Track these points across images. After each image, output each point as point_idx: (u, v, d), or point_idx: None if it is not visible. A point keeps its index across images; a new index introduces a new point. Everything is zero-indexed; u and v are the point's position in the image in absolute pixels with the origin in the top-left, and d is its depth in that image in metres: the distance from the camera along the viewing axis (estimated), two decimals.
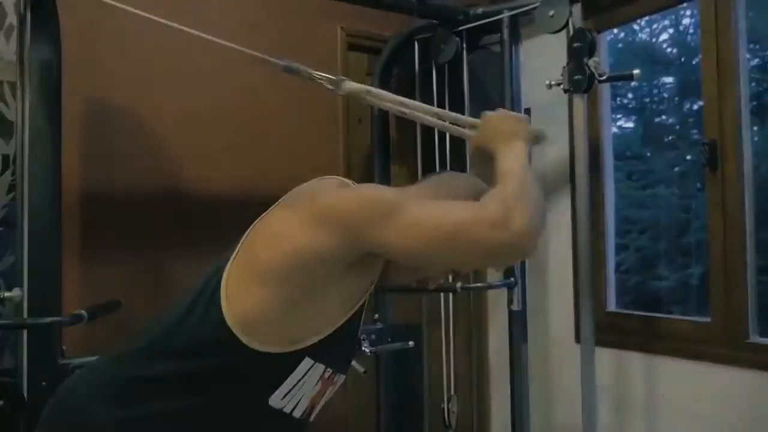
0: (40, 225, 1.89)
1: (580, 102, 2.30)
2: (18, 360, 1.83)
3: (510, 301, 2.49)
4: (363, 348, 2.54)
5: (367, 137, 2.99)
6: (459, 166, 2.74)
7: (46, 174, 1.96)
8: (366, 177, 2.98)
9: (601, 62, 2.31)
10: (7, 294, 1.49)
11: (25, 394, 1.78)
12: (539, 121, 2.89)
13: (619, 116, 3.18)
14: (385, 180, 2.77)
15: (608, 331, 2.60)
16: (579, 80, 2.23)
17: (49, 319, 1.51)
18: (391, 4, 2.46)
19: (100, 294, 2.19)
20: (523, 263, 2.51)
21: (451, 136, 2.73)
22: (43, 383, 1.91)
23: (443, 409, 2.70)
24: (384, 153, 2.77)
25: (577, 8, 2.31)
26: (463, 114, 2.66)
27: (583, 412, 2.29)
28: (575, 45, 2.24)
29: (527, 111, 2.77)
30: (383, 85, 2.75)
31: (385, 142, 2.78)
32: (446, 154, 2.76)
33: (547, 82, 2.37)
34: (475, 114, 1.39)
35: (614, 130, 2.88)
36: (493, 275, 2.69)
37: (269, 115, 2.76)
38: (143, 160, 2.46)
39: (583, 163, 2.33)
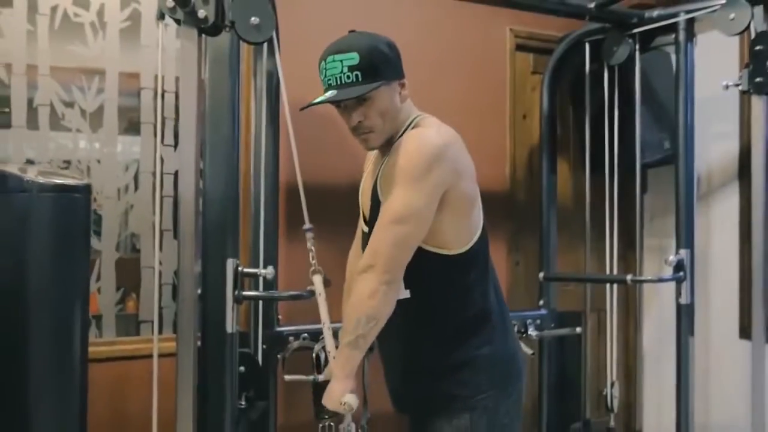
0: (267, 213, 2.24)
1: (759, 103, 2.34)
2: (253, 327, 2.18)
3: (678, 295, 2.57)
4: (529, 332, 2.73)
5: (531, 132, 3.16)
6: (628, 159, 2.85)
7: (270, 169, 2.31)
8: (531, 170, 3.14)
9: None
10: (262, 271, 1.80)
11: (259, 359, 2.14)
12: (704, 117, 2.93)
13: None
14: (552, 174, 2.92)
15: None
16: (761, 83, 2.27)
17: (295, 293, 1.82)
18: (569, 11, 2.59)
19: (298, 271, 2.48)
20: (691, 258, 2.58)
21: (619, 135, 2.85)
22: (264, 346, 2.27)
23: (605, 394, 2.84)
24: (551, 148, 2.91)
25: (758, 10, 2.34)
26: (634, 113, 2.76)
27: (753, 408, 2.36)
28: (757, 48, 2.27)
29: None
30: (552, 84, 2.90)
31: (553, 138, 2.92)
32: (614, 149, 2.87)
33: (724, 83, 2.42)
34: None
35: None
36: (663, 269, 2.77)
37: (438, 112, 2.97)
38: (330, 154, 2.71)
39: (761, 161, 2.38)
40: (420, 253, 1.54)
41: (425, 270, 1.55)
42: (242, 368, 2.00)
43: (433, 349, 1.62)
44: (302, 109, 1.64)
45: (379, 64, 1.55)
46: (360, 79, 1.53)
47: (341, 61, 1.53)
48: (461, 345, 1.60)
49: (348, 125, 1.62)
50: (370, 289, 1.49)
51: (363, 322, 1.50)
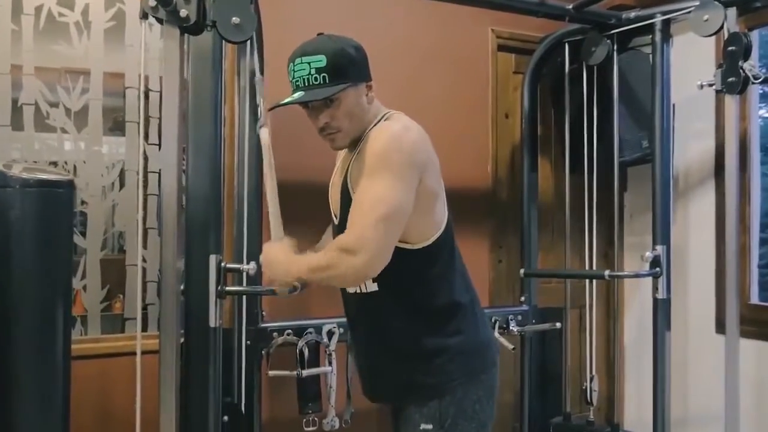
0: (250, 209, 2.27)
1: (732, 102, 2.40)
2: (237, 324, 2.21)
3: (655, 290, 2.62)
4: (511, 328, 2.77)
5: (513, 131, 3.20)
6: (607, 157, 2.90)
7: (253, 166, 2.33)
8: (513, 168, 3.19)
9: (755, 65, 2.38)
10: (245, 266, 1.83)
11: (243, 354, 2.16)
12: (683, 117, 2.99)
13: (760, 105, 3.17)
14: (533, 172, 2.96)
15: (750, 323, 2.69)
16: (733, 82, 2.33)
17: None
18: (549, 13, 2.63)
19: None
20: (667, 254, 2.63)
21: (598, 133, 2.90)
22: (248, 342, 2.30)
23: (585, 387, 2.89)
24: (532, 147, 2.96)
25: (731, 12, 2.39)
26: (613, 113, 2.82)
27: (726, 401, 2.40)
28: (730, 48, 2.33)
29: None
30: (533, 84, 2.94)
31: (534, 136, 2.97)
32: (594, 148, 2.92)
33: (699, 82, 2.48)
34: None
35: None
36: (640, 265, 2.82)
37: (422, 111, 3.01)
38: (307, 149, 2.70)
39: (734, 160, 2.43)
40: None
41: (391, 263, 1.56)
42: (225, 418, 2.01)
43: (404, 340, 1.65)
44: (270, 109, 1.69)
45: (345, 66, 1.59)
46: (327, 81, 1.57)
47: (309, 63, 1.57)
48: (432, 335, 1.64)
49: (315, 126, 1.66)
50: (352, 272, 1.51)
51: (324, 279, 1.56)
